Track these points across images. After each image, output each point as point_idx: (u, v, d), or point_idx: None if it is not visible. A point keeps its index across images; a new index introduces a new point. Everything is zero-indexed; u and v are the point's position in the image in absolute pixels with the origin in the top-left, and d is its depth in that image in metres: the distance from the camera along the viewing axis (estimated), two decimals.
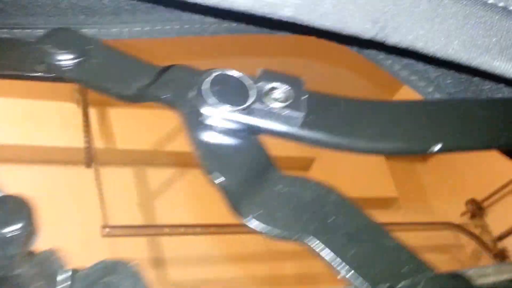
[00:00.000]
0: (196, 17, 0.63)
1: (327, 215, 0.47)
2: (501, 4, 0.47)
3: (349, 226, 0.47)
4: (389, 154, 0.58)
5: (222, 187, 0.45)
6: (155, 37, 0.64)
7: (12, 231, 0.39)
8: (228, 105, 0.46)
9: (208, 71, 0.48)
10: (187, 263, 2.30)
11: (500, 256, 2.45)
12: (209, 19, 0.63)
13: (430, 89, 0.66)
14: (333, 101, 0.50)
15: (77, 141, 2.10)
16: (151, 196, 2.34)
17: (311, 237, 0.45)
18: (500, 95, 0.61)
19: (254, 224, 0.45)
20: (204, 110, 0.46)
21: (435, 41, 0.47)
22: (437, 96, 0.66)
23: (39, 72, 0.52)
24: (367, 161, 2.74)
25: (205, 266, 2.29)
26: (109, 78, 0.51)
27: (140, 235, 2.23)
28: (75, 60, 0.51)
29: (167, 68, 0.52)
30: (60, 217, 1.97)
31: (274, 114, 0.46)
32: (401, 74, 0.66)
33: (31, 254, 0.41)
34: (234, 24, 0.64)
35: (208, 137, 0.47)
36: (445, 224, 2.67)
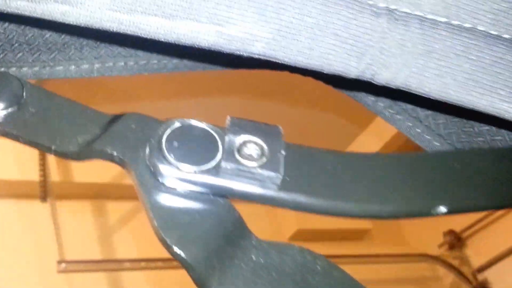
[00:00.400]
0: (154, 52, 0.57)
1: (312, 287, 0.41)
2: (506, 36, 0.42)
3: None
4: (384, 219, 0.53)
5: (186, 264, 0.38)
6: (106, 74, 0.58)
7: None
8: (192, 165, 0.39)
9: (167, 122, 0.41)
10: None
11: None
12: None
13: (419, 130, 0.61)
14: (315, 155, 0.44)
15: (32, 174, 2.06)
16: (110, 230, 2.29)
17: None
18: (499, 138, 0.56)
19: None
20: (162, 169, 0.39)
21: (430, 80, 0.42)
22: (427, 137, 0.61)
23: None
24: None
25: None
26: (48, 132, 0.43)
27: (99, 270, 2.19)
28: (5, 111, 0.42)
29: (118, 117, 0.44)
30: (15, 252, 1.93)
31: (246, 174, 0.39)
32: (384, 112, 0.61)
33: None
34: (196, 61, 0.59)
35: (166, 202, 0.40)
36: (422, 256, 2.66)
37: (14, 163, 2.10)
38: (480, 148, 0.56)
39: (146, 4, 0.38)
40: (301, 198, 0.40)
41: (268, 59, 0.41)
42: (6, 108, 0.42)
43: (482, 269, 2.50)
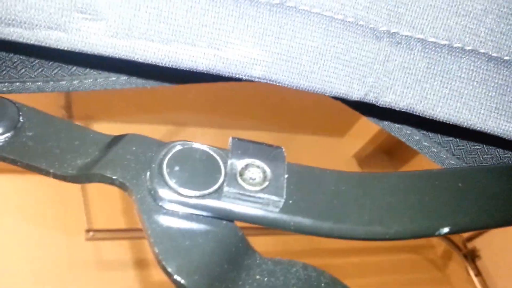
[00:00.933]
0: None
1: None
2: (507, 58, 0.39)
3: None
4: (389, 240, 0.49)
5: None
6: (109, 88, 0.54)
7: None
8: (193, 190, 0.35)
9: (168, 144, 0.37)
10: None
11: (471, 255, 2.40)
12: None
13: (443, 155, 0.57)
14: (318, 176, 0.39)
15: None
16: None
17: None
18: (508, 155, 0.52)
19: None
20: (163, 194, 0.35)
21: (435, 103, 0.39)
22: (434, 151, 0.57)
23: None
24: None
25: None
26: (46, 156, 0.39)
27: (124, 238, 2.17)
28: (1, 137, 0.39)
29: (118, 139, 0.40)
30: (46, 222, 1.91)
31: (248, 198, 0.35)
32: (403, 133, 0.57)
33: None
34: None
35: (167, 225, 0.36)
36: None
37: None
38: (482, 166, 0.52)
39: (143, 30, 0.35)
40: (304, 221, 0.36)
41: (268, 82, 0.38)
42: (2, 133, 0.39)
43: (471, 238, 2.46)
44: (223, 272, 0.36)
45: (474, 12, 0.38)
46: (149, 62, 0.36)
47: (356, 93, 0.38)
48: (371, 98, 0.39)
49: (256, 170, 0.36)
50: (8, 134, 0.39)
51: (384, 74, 0.38)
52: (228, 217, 0.36)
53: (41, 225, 1.91)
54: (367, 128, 2.34)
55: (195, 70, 0.37)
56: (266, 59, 0.36)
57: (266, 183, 0.35)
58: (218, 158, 0.36)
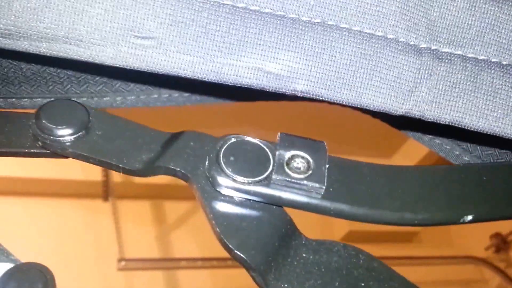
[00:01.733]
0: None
1: (357, 281, 0.45)
2: None
3: None
4: (417, 226, 0.56)
5: (247, 265, 0.43)
6: (151, 105, 0.62)
7: None
8: (246, 177, 0.44)
9: (223, 138, 0.46)
10: None
11: None
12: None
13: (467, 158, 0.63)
14: (356, 168, 0.48)
15: (95, 174, 2.11)
16: (167, 229, 2.32)
17: None
18: None
19: None
20: (221, 181, 0.44)
21: (480, 115, 0.45)
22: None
23: (35, 149, 0.48)
24: None
25: None
26: (114, 152, 0.47)
27: (157, 268, 2.23)
28: (75, 135, 0.47)
29: (177, 135, 0.48)
30: (77, 250, 1.97)
31: (294, 185, 0.44)
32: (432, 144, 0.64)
33: None
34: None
35: (226, 210, 0.44)
36: (469, 258, 2.63)
37: (78, 164, 2.14)
38: (505, 162, 0.59)
39: (190, 46, 0.42)
40: (342, 206, 0.45)
41: (312, 96, 0.44)
42: (75, 133, 0.47)
43: None
44: (275, 250, 0.44)
45: (506, 28, 0.44)
46: (195, 77, 0.43)
47: (400, 108, 0.44)
48: (416, 113, 0.44)
49: (300, 161, 0.44)
50: (80, 134, 0.47)
51: (429, 88, 0.44)
52: (276, 202, 0.45)
53: (73, 253, 1.96)
54: (415, 149, 2.37)
55: (239, 85, 0.43)
56: (309, 73, 0.43)
57: (310, 172, 0.44)
58: (267, 149, 0.45)
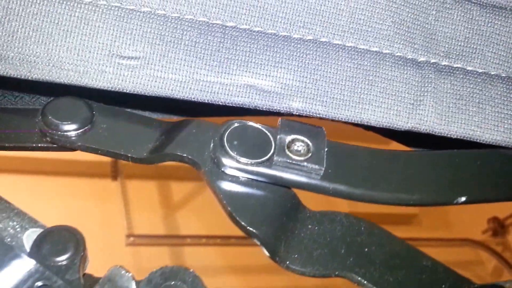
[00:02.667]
0: None
1: (361, 247, 0.48)
2: None
3: (384, 254, 0.48)
4: (412, 206, 0.57)
5: (260, 240, 0.45)
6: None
7: (68, 258, 0.42)
8: (249, 158, 0.45)
9: (227, 123, 0.47)
10: (207, 273, 2.31)
11: None
12: None
13: None
14: (353, 152, 0.49)
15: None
16: (173, 208, 2.34)
17: (350, 273, 0.46)
18: None
19: (293, 269, 0.46)
20: (225, 162, 0.45)
21: (493, 129, 0.46)
22: None
23: (43, 143, 0.49)
24: None
25: (225, 276, 2.30)
26: (121, 143, 0.49)
27: (163, 244, 2.25)
28: (81, 130, 0.48)
29: (180, 124, 0.50)
30: (88, 226, 1.98)
31: (294, 166, 0.45)
32: None
33: (89, 276, 0.44)
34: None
35: (234, 190, 0.46)
36: (466, 241, 2.64)
37: None
38: (498, 150, 0.60)
39: (177, 66, 0.42)
40: (340, 187, 0.46)
41: (308, 114, 0.45)
42: (82, 127, 0.48)
43: None
44: (283, 224, 0.47)
45: (503, 40, 0.45)
46: (184, 98, 0.43)
47: (406, 123, 0.44)
48: (424, 127, 0.45)
49: (301, 144, 0.46)
50: (86, 128, 0.48)
51: (435, 101, 0.44)
52: (278, 182, 0.46)
53: (84, 229, 1.99)
54: None
55: (231, 105, 0.44)
56: (304, 90, 0.43)
57: (310, 154, 0.45)
58: (268, 133, 0.46)
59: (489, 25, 0.44)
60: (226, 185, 0.46)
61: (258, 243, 0.45)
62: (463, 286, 0.47)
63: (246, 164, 0.45)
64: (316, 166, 0.45)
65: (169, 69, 0.42)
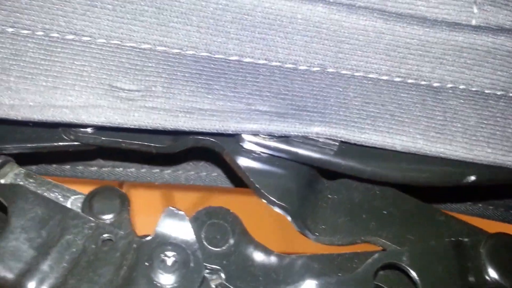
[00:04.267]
0: None
1: (379, 210, 0.50)
2: (499, 93, 0.48)
3: (401, 214, 0.50)
4: (423, 184, 0.58)
5: (289, 213, 0.47)
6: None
7: (118, 213, 0.45)
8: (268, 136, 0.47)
9: None
10: None
11: None
12: None
13: None
14: None
15: None
16: None
17: (374, 237, 0.48)
18: None
19: (322, 240, 0.48)
20: (245, 137, 0.47)
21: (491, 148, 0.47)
22: None
23: (64, 141, 0.50)
24: None
25: None
26: (142, 135, 0.49)
27: None
28: None
29: None
30: None
31: (310, 142, 0.47)
32: None
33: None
34: None
35: (258, 167, 0.48)
36: None
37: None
38: None
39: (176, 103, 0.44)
40: (352, 163, 0.48)
41: (328, 137, 0.46)
42: None
43: None
44: (305, 195, 0.49)
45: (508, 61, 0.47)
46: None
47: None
48: (429, 151, 0.46)
49: None
50: None
51: (465, 132, 0.46)
52: (293, 157, 0.48)
53: None
54: None
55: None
56: (324, 115, 0.45)
57: None
58: None
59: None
60: (249, 163, 0.48)
61: (289, 217, 0.47)
62: (479, 236, 0.48)
63: (264, 138, 0.47)
64: (331, 142, 0.46)
65: (179, 106, 0.44)
